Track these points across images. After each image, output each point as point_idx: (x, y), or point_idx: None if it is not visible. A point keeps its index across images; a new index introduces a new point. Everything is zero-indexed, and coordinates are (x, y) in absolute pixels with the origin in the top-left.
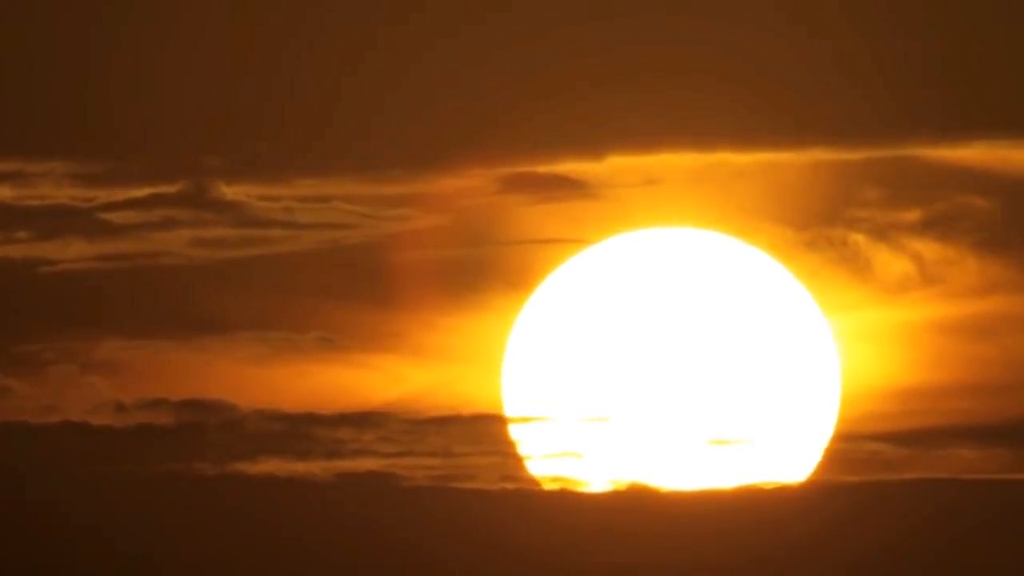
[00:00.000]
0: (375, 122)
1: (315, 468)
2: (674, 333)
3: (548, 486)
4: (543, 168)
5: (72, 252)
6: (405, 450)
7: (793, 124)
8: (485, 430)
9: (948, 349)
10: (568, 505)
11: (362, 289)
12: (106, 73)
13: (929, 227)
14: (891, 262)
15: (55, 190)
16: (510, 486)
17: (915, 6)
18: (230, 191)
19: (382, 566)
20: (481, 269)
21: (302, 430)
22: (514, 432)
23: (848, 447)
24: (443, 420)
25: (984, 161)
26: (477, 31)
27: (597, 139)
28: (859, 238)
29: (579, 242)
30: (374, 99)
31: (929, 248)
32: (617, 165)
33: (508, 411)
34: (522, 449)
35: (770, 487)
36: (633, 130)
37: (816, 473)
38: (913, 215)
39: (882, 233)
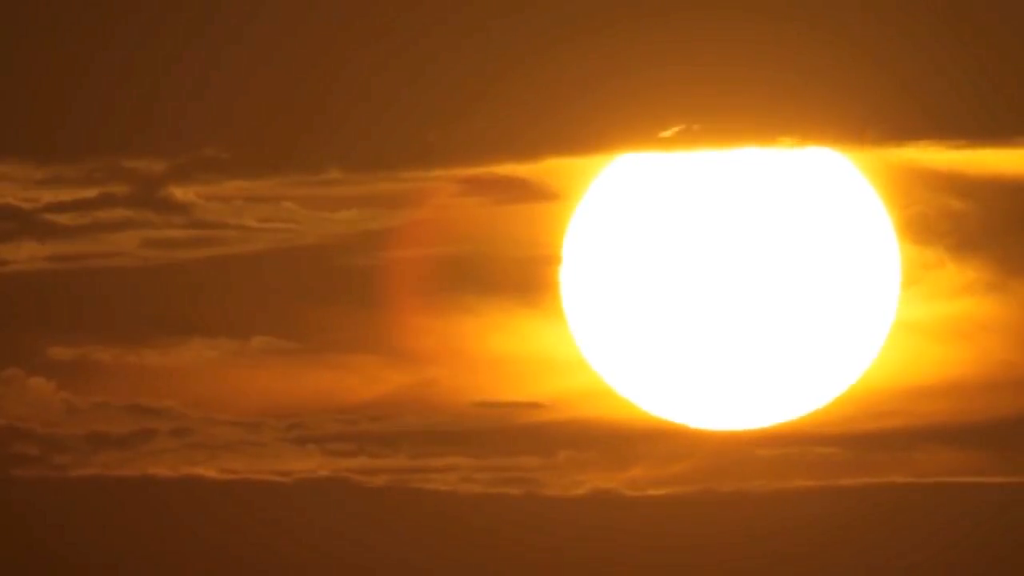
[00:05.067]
0: (320, 124)
1: (271, 473)
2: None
3: (513, 489)
4: (498, 169)
5: (23, 253)
6: (366, 453)
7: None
8: (452, 432)
9: (925, 351)
10: (534, 508)
11: (321, 290)
12: (54, 74)
13: (905, 229)
14: None
15: (5, 191)
16: (476, 489)
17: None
18: (180, 192)
19: (342, 569)
20: (451, 269)
21: (258, 435)
22: (483, 433)
23: (818, 450)
24: (409, 423)
25: (960, 163)
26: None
27: (535, 141)
28: None
29: (549, 243)
30: (327, 102)
31: (905, 250)
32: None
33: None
34: (490, 451)
35: (730, 491)
36: (575, 132)
37: (785, 477)
38: (889, 217)
39: None
